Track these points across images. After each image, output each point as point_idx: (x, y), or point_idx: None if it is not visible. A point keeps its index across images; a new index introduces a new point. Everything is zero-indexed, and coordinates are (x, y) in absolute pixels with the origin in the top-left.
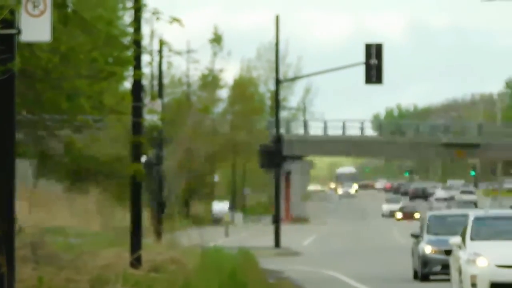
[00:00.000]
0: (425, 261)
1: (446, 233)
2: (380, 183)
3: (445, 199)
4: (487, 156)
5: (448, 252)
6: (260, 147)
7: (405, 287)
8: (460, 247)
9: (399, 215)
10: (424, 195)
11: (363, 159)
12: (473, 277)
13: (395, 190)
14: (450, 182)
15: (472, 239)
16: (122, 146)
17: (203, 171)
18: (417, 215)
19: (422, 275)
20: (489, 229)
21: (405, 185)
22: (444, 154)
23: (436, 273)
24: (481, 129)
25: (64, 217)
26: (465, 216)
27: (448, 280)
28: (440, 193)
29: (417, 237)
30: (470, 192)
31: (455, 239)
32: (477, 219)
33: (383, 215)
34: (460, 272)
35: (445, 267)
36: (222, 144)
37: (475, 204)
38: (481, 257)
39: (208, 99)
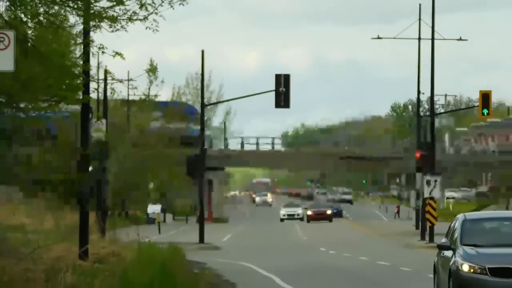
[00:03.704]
0: (461, 284)
1: (488, 243)
2: (283, 189)
3: (324, 194)
4: (378, 167)
5: (494, 272)
6: (187, 159)
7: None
8: None
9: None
10: (311, 197)
11: (274, 170)
12: None
13: (289, 194)
14: (336, 188)
15: None
16: (70, 158)
17: (140, 179)
18: (328, 211)
19: None
20: None
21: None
22: (341, 165)
23: None
24: (373, 145)
25: (22, 216)
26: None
27: None
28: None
29: (445, 248)
30: (348, 193)
31: None
32: None
33: (281, 219)
34: None
35: None
36: (154, 157)
37: (350, 202)
38: None
39: (144, 118)
